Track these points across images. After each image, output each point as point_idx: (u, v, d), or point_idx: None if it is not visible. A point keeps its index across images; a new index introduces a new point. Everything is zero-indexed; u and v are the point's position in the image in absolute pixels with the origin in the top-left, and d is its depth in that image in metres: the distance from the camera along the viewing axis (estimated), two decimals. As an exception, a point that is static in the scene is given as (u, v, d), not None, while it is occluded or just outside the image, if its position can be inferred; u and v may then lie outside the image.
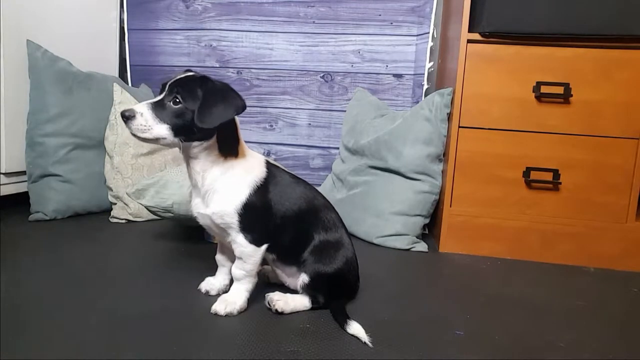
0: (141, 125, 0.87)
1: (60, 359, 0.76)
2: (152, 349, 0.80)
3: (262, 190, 0.96)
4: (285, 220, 0.99)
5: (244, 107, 0.90)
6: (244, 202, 0.94)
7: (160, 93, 0.92)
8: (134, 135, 0.89)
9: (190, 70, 0.96)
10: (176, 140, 0.90)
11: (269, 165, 1.01)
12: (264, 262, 1.03)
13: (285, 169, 1.07)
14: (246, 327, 0.91)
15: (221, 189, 0.94)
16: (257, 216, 0.95)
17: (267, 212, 0.97)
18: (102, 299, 1.00)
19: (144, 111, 0.88)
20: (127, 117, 0.87)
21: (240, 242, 0.95)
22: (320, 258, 1.00)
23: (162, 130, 0.88)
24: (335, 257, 1.01)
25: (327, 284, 1.00)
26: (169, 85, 0.90)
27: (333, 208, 1.08)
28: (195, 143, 0.92)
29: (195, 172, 0.95)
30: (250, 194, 0.94)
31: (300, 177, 1.08)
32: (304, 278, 1.00)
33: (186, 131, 0.89)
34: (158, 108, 0.89)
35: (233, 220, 0.94)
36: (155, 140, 0.90)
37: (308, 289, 1.00)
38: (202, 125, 0.87)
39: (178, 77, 0.92)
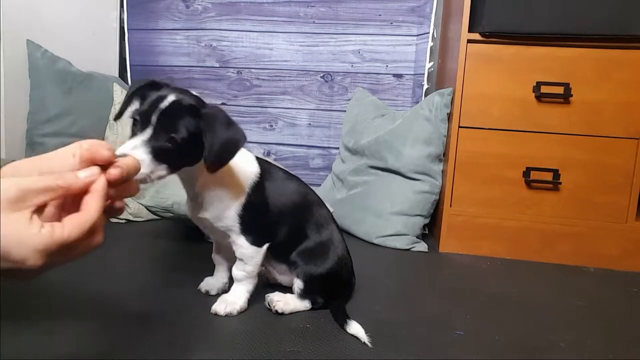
0: (143, 174, 0.74)
1: (59, 358, 0.76)
2: (152, 349, 0.80)
3: (258, 188, 0.95)
4: (281, 216, 0.98)
5: (245, 137, 0.84)
6: (244, 203, 0.93)
7: (141, 120, 0.77)
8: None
9: (155, 84, 0.83)
10: (173, 174, 0.83)
11: (259, 161, 0.99)
12: (263, 262, 1.03)
13: (276, 164, 1.06)
14: (246, 327, 0.91)
15: (218, 194, 0.92)
16: (256, 216, 0.95)
17: (265, 209, 0.96)
18: (101, 298, 1.00)
19: (144, 158, 0.74)
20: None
21: (241, 244, 0.95)
22: (311, 258, 0.99)
23: (162, 172, 0.78)
24: (327, 256, 1.00)
25: (321, 285, 0.99)
26: (159, 120, 0.76)
27: (324, 204, 1.08)
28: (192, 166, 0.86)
29: (189, 183, 0.92)
30: (249, 194, 0.93)
31: (298, 176, 1.08)
32: (298, 284, 0.99)
33: (185, 164, 0.83)
34: (154, 149, 0.75)
35: (234, 223, 0.92)
36: (159, 179, 0.80)
37: (304, 294, 0.99)
38: (216, 166, 0.80)
39: (163, 106, 0.77)
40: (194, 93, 0.86)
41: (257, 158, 1.00)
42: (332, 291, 1.01)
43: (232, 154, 0.81)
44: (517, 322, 1.01)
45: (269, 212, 0.97)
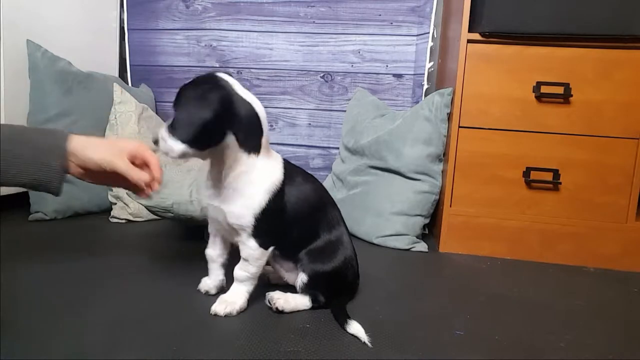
0: (164, 148, 0.89)
1: (60, 359, 0.76)
2: (152, 349, 0.80)
3: (279, 194, 0.95)
4: (295, 219, 0.98)
5: (213, 115, 0.84)
6: (263, 207, 0.92)
7: None
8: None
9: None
10: (197, 151, 0.89)
11: (286, 165, 1.00)
12: (270, 260, 1.03)
13: (295, 165, 1.06)
14: (246, 327, 0.91)
15: (241, 189, 0.92)
16: (271, 221, 0.94)
17: (281, 215, 0.96)
18: (101, 298, 1.00)
19: (163, 134, 0.89)
20: (155, 142, 0.91)
21: (250, 246, 0.95)
22: (319, 257, 1.00)
23: (180, 147, 0.87)
24: (334, 255, 1.01)
25: (325, 282, 1.00)
26: (174, 103, 0.91)
27: (336, 205, 1.08)
28: (212, 148, 0.90)
29: (217, 169, 0.93)
30: (270, 199, 0.93)
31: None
32: (302, 277, 0.99)
33: (198, 141, 0.88)
34: (172, 126, 0.89)
35: (249, 224, 0.93)
36: (184, 156, 0.90)
37: (307, 288, 1.00)
38: (177, 138, 0.86)
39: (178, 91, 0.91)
40: (217, 76, 0.92)
41: (285, 162, 1.01)
42: (335, 290, 1.01)
43: (188, 130, 0.85)
44: (517, 322, 1.01)
45: (284, 217, 0.97)
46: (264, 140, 0.95)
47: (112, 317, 0.92)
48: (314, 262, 0.99)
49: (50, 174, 0.82)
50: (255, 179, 0.93)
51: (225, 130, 0.88)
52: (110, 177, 0.90)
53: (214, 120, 0.85)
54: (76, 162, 0.86)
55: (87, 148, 0.86)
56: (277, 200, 0.94)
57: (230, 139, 0.89)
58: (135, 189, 0.94)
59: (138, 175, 0.90)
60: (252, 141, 0.92)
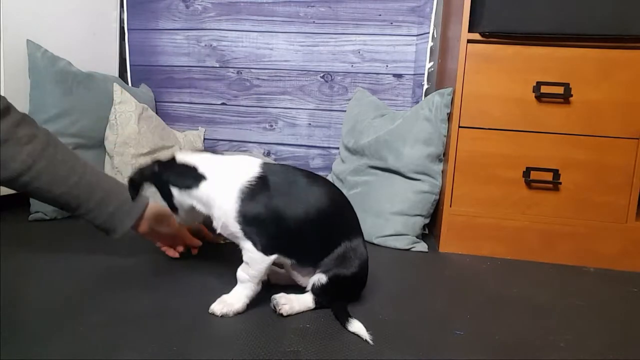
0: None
1: (60, 359, 0.76)
2: (152, 349, 0.81)
3: (255, 194, 0.92)
4: (306, 227, 0.96)
5: (137, 183, 1.02)
6: (239, 209, 0.91)
7: None
8: None
9: None
10: (183, 210, 1.03)
11: (264, 166, 0.97)
12: (285, 267, 1.03)
13: (299, 168, 1.03)
14: (246, 327, 0.91)
15: (218, 206, 0.94)
16: (261, 223, 0.93)
17: (274, 218, 0.93)
18: (101, 298, 1.00)
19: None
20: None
21: (248, 249, 0.94)
22: (342, 262, 0.98)
23: (174, 214, 1.07)
24: (354, 260, 1.00)
25: (343, 286, 0.99)
26: None
27: (352, 207, 1.06)
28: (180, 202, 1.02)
29: (201, 208, 1.00)
30: (242, 199, 0.92)
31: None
32: (320, 278, 0.97)
33: (169, 204, 1.03)
34: None
35: (237, 229, 0.92)
36: (183, 217, 1.07)
37: (319, 289, 0.98)
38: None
39: None
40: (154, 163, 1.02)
41: (265, 164, 0.98)
42: (347, 293, 1.02)
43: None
44: (517, 322, 1.01)
45: (282, 221, 0.94)
46: (205, 169, 0.97)
47: (112, 317, 0.92)
48: (337, 267, 0.98)
49: (119, 231, 1.09)
50: (221, 192, 0.94)
51: (166, 187, 1.00)
52: (165, 238, 1.21)
53: (150, 183, 1.02)
54: (150, 222, 1.11)
55: (166, 211, 1.09)
56: (254, 200, 0.92)
57: (175, 191, 0.99)
58: (175, 248, 1.25)
59: (194, 240, 1.25)
60: (186, 181, 0.98)
